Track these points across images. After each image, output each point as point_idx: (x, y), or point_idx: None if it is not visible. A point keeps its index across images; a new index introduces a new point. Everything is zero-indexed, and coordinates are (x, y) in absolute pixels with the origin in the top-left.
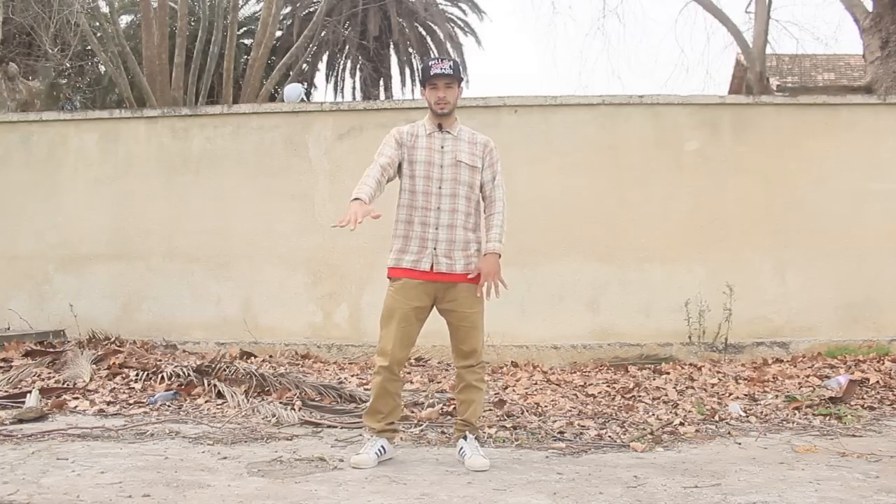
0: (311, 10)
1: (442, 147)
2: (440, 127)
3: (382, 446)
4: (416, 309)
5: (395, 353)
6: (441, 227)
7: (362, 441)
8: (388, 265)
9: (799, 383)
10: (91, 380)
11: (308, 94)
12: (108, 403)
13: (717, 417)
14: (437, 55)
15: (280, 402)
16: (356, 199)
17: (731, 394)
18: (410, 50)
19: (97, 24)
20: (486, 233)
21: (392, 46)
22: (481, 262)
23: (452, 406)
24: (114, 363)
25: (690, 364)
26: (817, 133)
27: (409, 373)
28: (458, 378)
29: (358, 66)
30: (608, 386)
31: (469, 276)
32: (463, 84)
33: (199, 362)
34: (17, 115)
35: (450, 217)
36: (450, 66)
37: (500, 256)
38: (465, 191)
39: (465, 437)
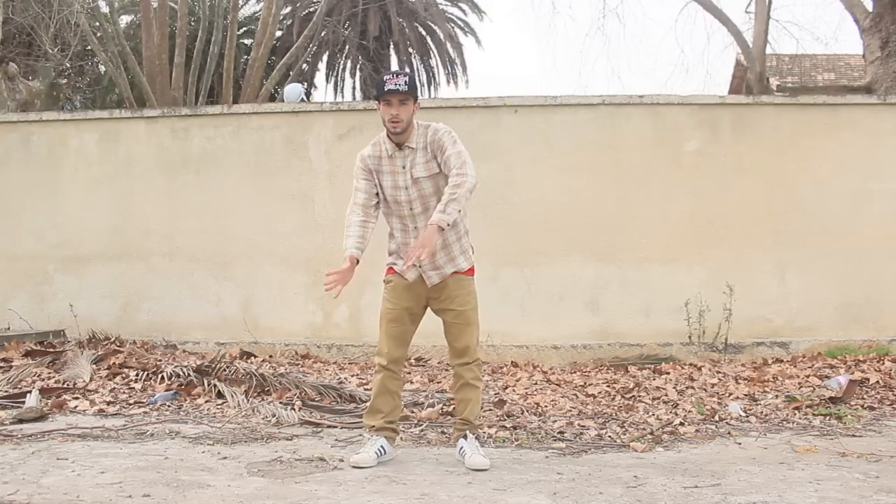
0: (311, 10)
1: (403, 167)
2: (399, 146)
3: (382, 446)
4: (407, 309)
5: (392, 352)
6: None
7: (362, 441)
8: (386, 264)
9: (799, 383)
10: (91, 380)
11: (308, 94)
12: (108, 403)
13: (717, 417)
14: (393, 69)
15: (280, 402)
16: (349, 256)
17: (731, 394)
18: (410, 50)
19: (97, 24)
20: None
21: (392, 46)
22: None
23: (452, 406)
24: (114, 363)
25: (690, 364)
26: (817, 133)
27: (409, 373)
28: (455, 376)
29: (358, 66)
30: (608, 386)
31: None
32: (418, 102)
33: (199, 362)
34: (17, 115)
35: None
36: (404, 82)
37: (441, 229)
38: (435, 201)
39: (464, 437)
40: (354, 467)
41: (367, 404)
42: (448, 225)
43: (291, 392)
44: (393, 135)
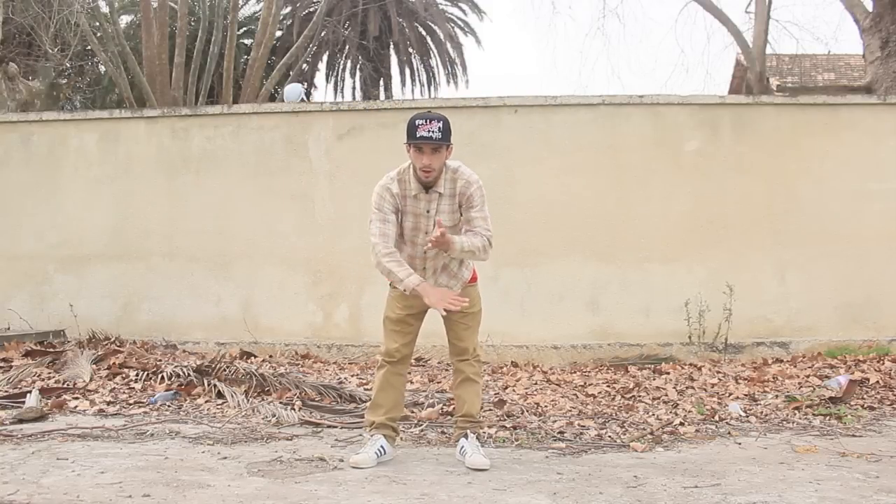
0: (311, 10)
1: (427, 211)
2: (426, 188)
3: (382, 446)
4: (412, 315)
5: (400, 350)
6: (428, 277)
7: (362, 441)
8: None
9: (799, 383)
10: (91, 380)
11: (308, 94)
12: (108, 403)
13: (717, 417)
14: (426, 111)
15: (280, 402)
16: (419, 285)
17: (731, 394)
18: (410, 50)
19: (97, 24)
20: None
21: (392, 46)
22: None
23: (452, 406)
24: (114, 363)
25: (690, 364)
26: (817, 133)
27: (409, 373)
28: (456, 372)
29: (358, 66)
30: (608, 386)
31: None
32: (451, 145)
33: (199, 362)
34: (17, 115)
35: (433, 271)
36: (438, 129)
37: (451, 246)
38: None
39: (465, 436)
40: (354, 468)
41: (368, 403)
42: (456, 249)
43: (291, 392)
44: (422, 181)
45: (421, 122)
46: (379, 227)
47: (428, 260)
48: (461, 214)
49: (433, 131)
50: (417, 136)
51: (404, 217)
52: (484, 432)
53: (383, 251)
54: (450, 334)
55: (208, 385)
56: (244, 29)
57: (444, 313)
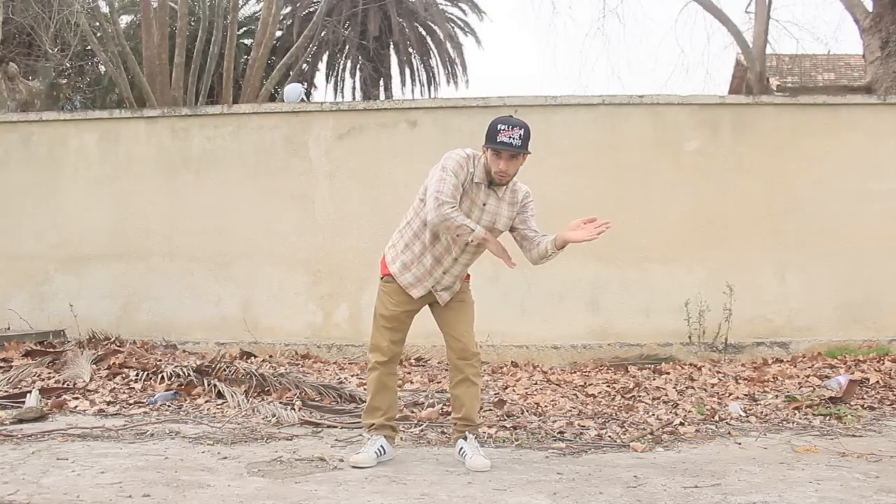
0: (311, 10)
1: (484, 205)
2: (490, 183)
3: (382, 446)
4: (406, 312)
5: (391, 348)
6: (450, 273)
7: (362, 441)
8: (387, 263)
9: (799, 383)
10: (91, 380)
11: (308, 94)
12: (108, 403)
13: (717, 417)
14: (509, 116)
15: (280, 402)
16: (481, 231)
17: (731, 394)
18: (410, 50)
19: (97, 24)
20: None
21: (392, 46)
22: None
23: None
24: (114, 363)
25: (690, 364)
26: (817, 133)
27: (408, 373)
28: (454, 370)
29: (358, 66)
30: (608, 386)
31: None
32: (529, 153)
33: (199, 362)
34: (17, 115)
35: (462, 269)
36: (520, 136)
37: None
38: (483, 249)
39: (464, 438)
40: (354, 467)
41: (365, 404)
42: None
43: (291, 392)
44: (495, 183)
45: (503, 126)
46: (452, 187)
47: (457, 248)
48: (516, 220)
49: (514, 138)
50: (498, 140)
51: (463, 196)
52: (484, 432)
53: (451, 205)
54: (445, 328)
55: (208, 385)
56: (244, 29)
57: (513, 265)
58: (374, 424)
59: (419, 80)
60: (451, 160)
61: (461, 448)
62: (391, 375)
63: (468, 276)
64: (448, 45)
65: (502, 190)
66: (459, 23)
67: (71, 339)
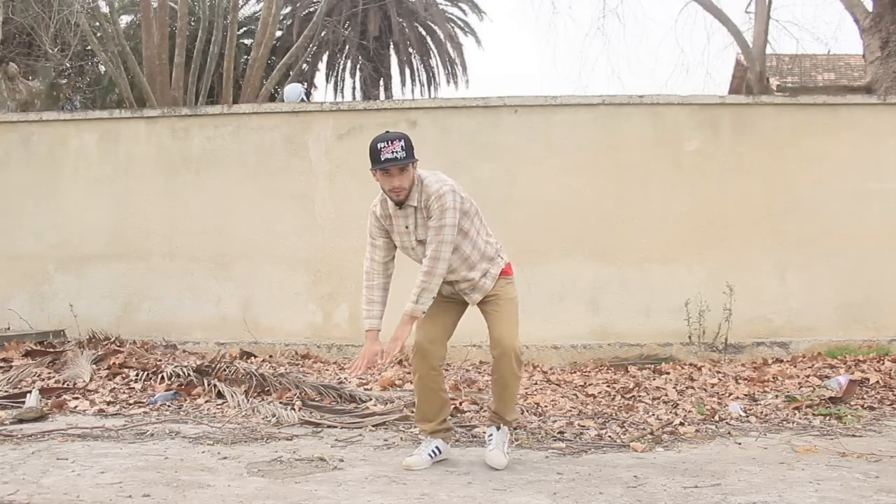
0: (311, 10)
1: (406, 227)
2: (399, 205)
3: (437, 447)
4: (449, 302)
5: (427, 347)
6: (448, 283)
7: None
8: None
9: (799, 383)
10: (91, 380)
11: (308, 94)
12: (108, 403)
13: (717, 417)
14: (384, 133)
15: (280, 402)
16: (371, 329)
17: (731, 394)
18: (410, 50)
19: (97, 24)
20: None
21: (392, 46)
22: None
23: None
24: (114, 363)
25: (690, 364)
26: (817, 133)
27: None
28: (493, 364)
29: (358, 66)
30: (608, 386)
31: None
32: (417, 160)
33: (199, 362)
34: (17, 115)
35: (469, 273)
36: (401, 147)
37: (415, 319)
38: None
39: (497, 427)
40: (407, 470)
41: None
42: (423, 314)
43: (291, 392)
44: (395, 201)
45: (383, 144)
46: (368, 254)
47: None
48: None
49: (396, 151)
50: (383, 159)
51: (392, 235)
52: (483, 432)
53: (364, 282)
54: (488, 326)
55: (208, 385)
56: (244, 29)
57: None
58: (426, 430)
59: (419, 80)
60: (368, 225)
61: (490, 434)
62: (433, 376)
63: (507, 269)
64: (448, 45)
65: (415, 200)
66: (459, 23)
67: (71, 339)
